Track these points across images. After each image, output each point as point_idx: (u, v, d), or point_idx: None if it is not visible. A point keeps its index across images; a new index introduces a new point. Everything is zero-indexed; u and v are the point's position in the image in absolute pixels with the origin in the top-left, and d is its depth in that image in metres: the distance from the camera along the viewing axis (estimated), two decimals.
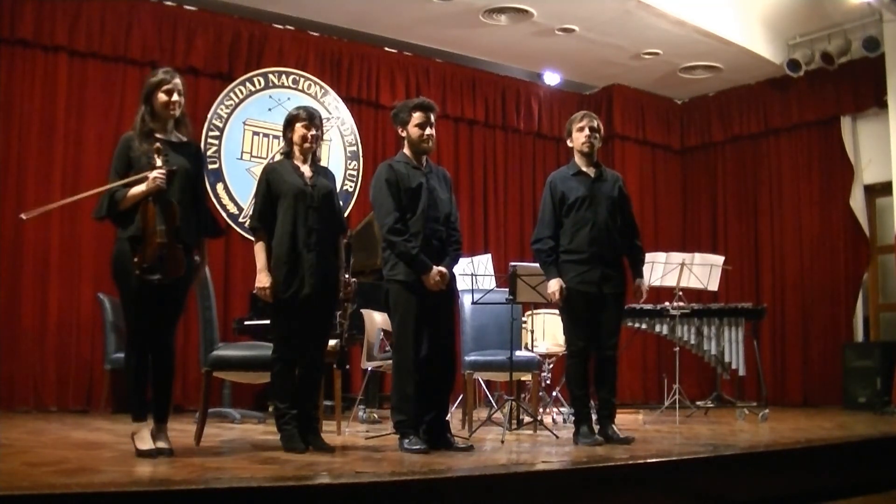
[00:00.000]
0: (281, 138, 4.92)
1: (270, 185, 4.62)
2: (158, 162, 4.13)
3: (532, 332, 6.76)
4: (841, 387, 8.84)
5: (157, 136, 4.27)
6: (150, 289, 4.13)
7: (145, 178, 4.11)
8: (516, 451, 4.83)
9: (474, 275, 6.12)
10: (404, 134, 4.85)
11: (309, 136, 4.69)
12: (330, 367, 5.93)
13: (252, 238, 4.81)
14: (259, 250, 4.59)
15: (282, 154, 4.83)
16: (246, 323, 7.54)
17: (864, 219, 9.34)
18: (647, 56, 9.58)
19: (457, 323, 7.15)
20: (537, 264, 5.39)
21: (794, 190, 10.04)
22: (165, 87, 4.29)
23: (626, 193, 5.44)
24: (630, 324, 7.55)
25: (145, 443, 4.13)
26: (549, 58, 9.77)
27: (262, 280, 4.53)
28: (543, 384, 7.03)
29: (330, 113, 9.02)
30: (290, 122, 4.72)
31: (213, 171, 8.24)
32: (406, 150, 4.87)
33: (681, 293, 7.70)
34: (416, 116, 4.80)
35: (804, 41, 9.33)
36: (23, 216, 4.25)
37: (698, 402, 8.20)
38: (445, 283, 4.71)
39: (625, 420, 6.82)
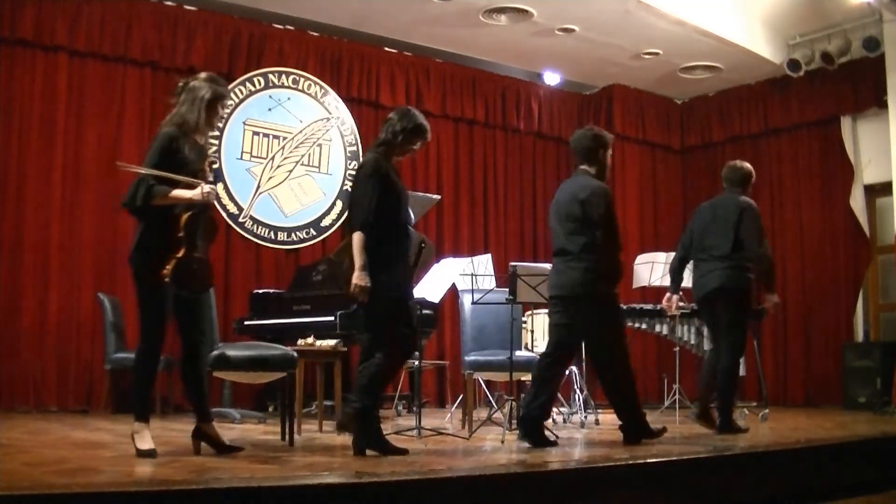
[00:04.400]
0: (387, 133, 4.62)
1: (384, 184, 4.47)
2: (210, 177, 4.22)
3: (532, 332, 6.76)
4: (841, 387, 8.84)
5: (197, 139, 4.33)
6: (171, 292, 4.17)
7: (193, 186, 4.11)
8: (516, 451, 4.83)
9: (474, 275, 6.12)
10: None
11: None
12: (331, 365, 5.95)
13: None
14: (364, 247, 4.39)
15: (380, 151, 4.62)
16: (246, 323, 7.55)
17: (864, 219, 9.34)
18: (647, 56, 9.58)
19: (457, 323, 7.18)
20: (537, 264, 5.40)
21: (795, 190, 10.04)
22: (225, 102, 4.40)
23: None
24: (630, 324, 7.55)
25: (146, 442, 4.13)
26: (549, 58, 9.77)
27: (366, 278, 4.38)
28: None
29: (330, 113, 9.03)
30: (419, 132, 4.63)
31: (213, 171, 8.25)
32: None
33: (681, 293, 7.69)
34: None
35: (804, 41, 9.33)
36: (118, 164, 4.24)
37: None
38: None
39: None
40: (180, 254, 4.10)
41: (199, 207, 4.16)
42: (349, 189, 9.05)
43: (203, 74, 4.46)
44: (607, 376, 5.15)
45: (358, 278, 4.35)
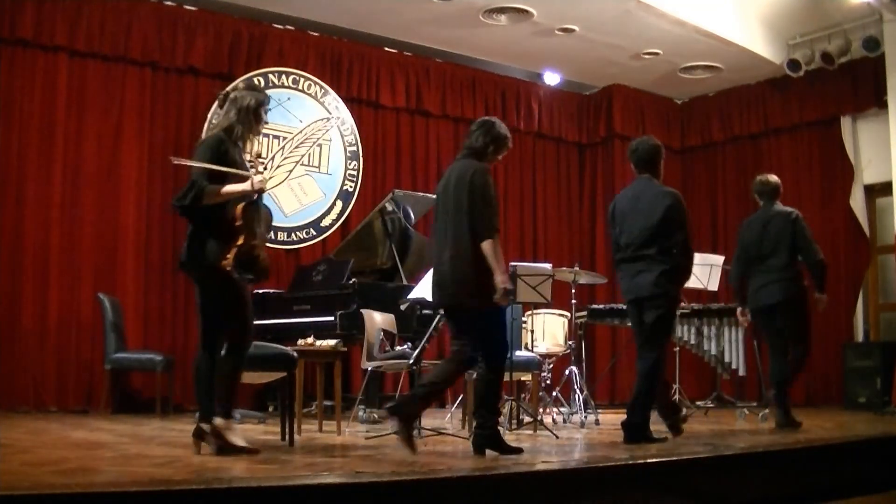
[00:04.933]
0: (477, 143, 4.72)
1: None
2: (260, 168, 4.31)
3: (532, 332, 6.76)
4: (841, 387, 8.84)
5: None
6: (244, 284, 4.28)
7: (244, 179, 4.23)
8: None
9: None
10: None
11: None
12: (331, 365, 5.94)
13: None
14: (497, 252, 4.54)
15: (482, 159, 4.74)
16: None
17: (864, 219, 9.35)
18: (647, 56, 9.58)
19: None
20: (537, 264, 5.41)
21: (795, 190, 9.99)
22: (266, 106, 4.48)
23: None
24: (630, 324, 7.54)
25: (241, 439, 4.25)
26: (549, 58, 9.77)
27: (509, 281, 4.54)
28: (543, 384, 7.03)
29: (330, 113, 9.03)
30: (505, 143, 4.76)
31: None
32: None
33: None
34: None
35: (804, 41, 9.33)
36: (173, 159, 4.31)
37: (698, 402, 8.19)
38: None
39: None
40: (240, 241, 4.19)
41: (253, 197, 4.27)
42: (349, 189, 9.09)
43: (240, 83, 4.61)
44: (638, 365, 5.22)
45: (504, 282, 4.48)
